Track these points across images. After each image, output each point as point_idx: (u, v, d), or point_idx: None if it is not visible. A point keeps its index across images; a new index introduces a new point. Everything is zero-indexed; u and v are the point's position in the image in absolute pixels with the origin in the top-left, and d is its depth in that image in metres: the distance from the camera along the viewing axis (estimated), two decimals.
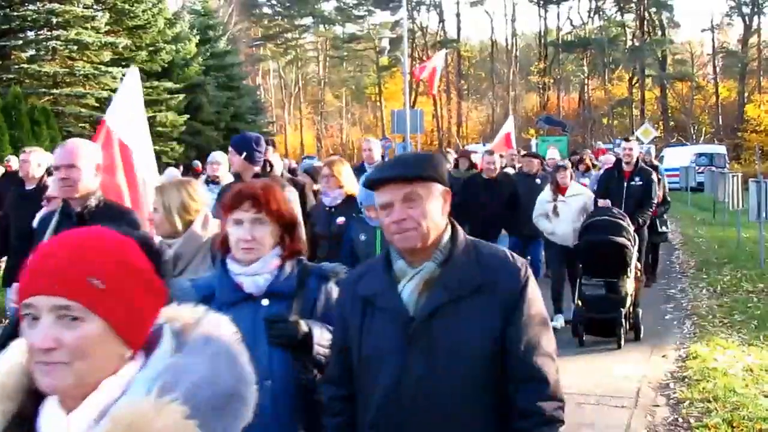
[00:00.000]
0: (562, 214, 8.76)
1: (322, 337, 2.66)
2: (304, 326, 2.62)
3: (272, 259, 2.76)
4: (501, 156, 15.85)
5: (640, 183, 9.34)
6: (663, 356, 7.67)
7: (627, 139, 10.02)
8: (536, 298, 2.34)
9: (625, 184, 9.39)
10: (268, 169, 6.36)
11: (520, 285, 2.31)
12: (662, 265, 13.50)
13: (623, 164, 9.61)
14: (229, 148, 5.87)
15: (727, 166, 34.76)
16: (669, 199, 11.90)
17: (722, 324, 8.79)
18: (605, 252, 7.87)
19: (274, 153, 8.00)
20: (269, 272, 2.75)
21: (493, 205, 8.91)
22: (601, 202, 9.00)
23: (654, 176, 9.55)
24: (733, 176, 16.26)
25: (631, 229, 8.12)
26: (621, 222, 8.02)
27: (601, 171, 12.14)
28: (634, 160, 9.55)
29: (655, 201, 9.52)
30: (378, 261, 2.48)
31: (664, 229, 11.63)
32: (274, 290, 2.75)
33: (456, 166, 11.91)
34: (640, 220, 9.02)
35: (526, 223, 9.15)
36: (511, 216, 9.08)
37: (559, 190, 8.87)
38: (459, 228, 2.41)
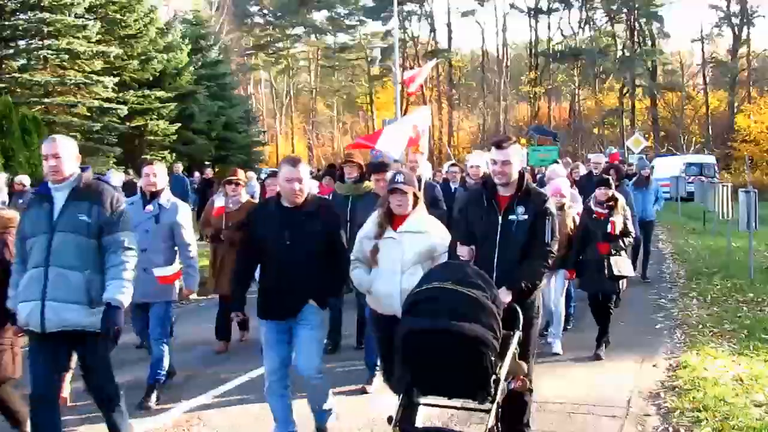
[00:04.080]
0: (384, 259, 5.46)
1: None
2: None
3: None
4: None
5: (525, 217, 5.14)
6: (653, 366, 7.69)
7: (499, 145, 5.23)
8: None
9: (500, 218, 5.18)
10: None
11: None
12: (653, 275, 13.54)
13: (498, 186, 5.26)
14: None
15: (717, 175, 34.97)
16: (632, 230, 8.46)
17: (712, 334, 8.82)
18: (443, 352, 4.20)
19: None
20: None
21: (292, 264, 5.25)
22: (461, 250, 5.22)
23: (550, 204, 5.30)
24: (723, 186, 16.35)
25: (499, 304, 4.44)
26: (476, 294, 4.30)
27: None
28: (515, 176, 5.22)
29: (554, 246, 5.20)
30: None
31: (619, 271, 8.07)
32: None
33: (341, 178, 8.81)
34: (524, 284, 4.99)
35: None
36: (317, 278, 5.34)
37: (390, 220, 5.53)
38: None
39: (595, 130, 63.66)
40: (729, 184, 17.20)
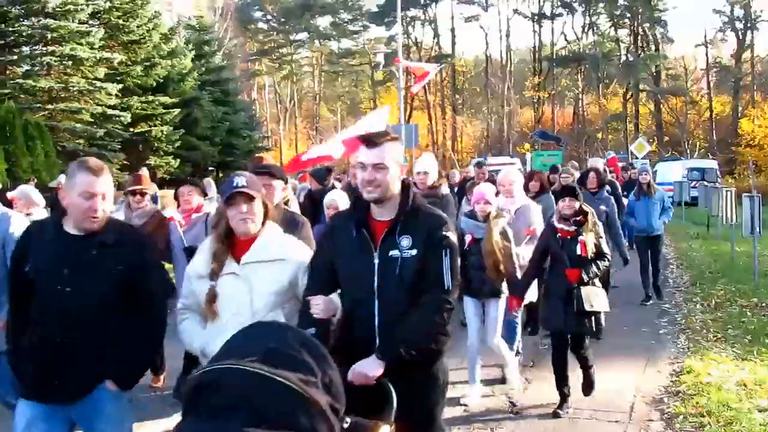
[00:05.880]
0: (225, 307, 3.64)
1: None
2: None
3: None
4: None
5: (413, 252, 3.38)
6: (657, 371, 7.65)
7: (370, 142, 3.44)
8: None
9: (376, 255, 3.40)
10: None
11: None
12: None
13: (372, 206, 3.52)
14: None
15: (719, 180, 34.91)
16: (607, 251, 6.44)
17: (716, 338, 8.78)
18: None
19: None
20: None
21: None
22: (314, 303, 3.37)
23: (449, 231, 3.44)
24: (726, 191, 16.30)
25: (336, 392, 1.78)
26: (291, 380, 1.72)
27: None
28: (394, 189, 3.46)
29: (455, 292, 3.43)
30: None
31: (591, 306, 6.12)
32: None
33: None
34: (404, 350, 3.27)
35: None
36: None
37: (230, 248, 3.74)
38: None
39: (599, 135, 63.63)
40: (733, 188, 17.12)
